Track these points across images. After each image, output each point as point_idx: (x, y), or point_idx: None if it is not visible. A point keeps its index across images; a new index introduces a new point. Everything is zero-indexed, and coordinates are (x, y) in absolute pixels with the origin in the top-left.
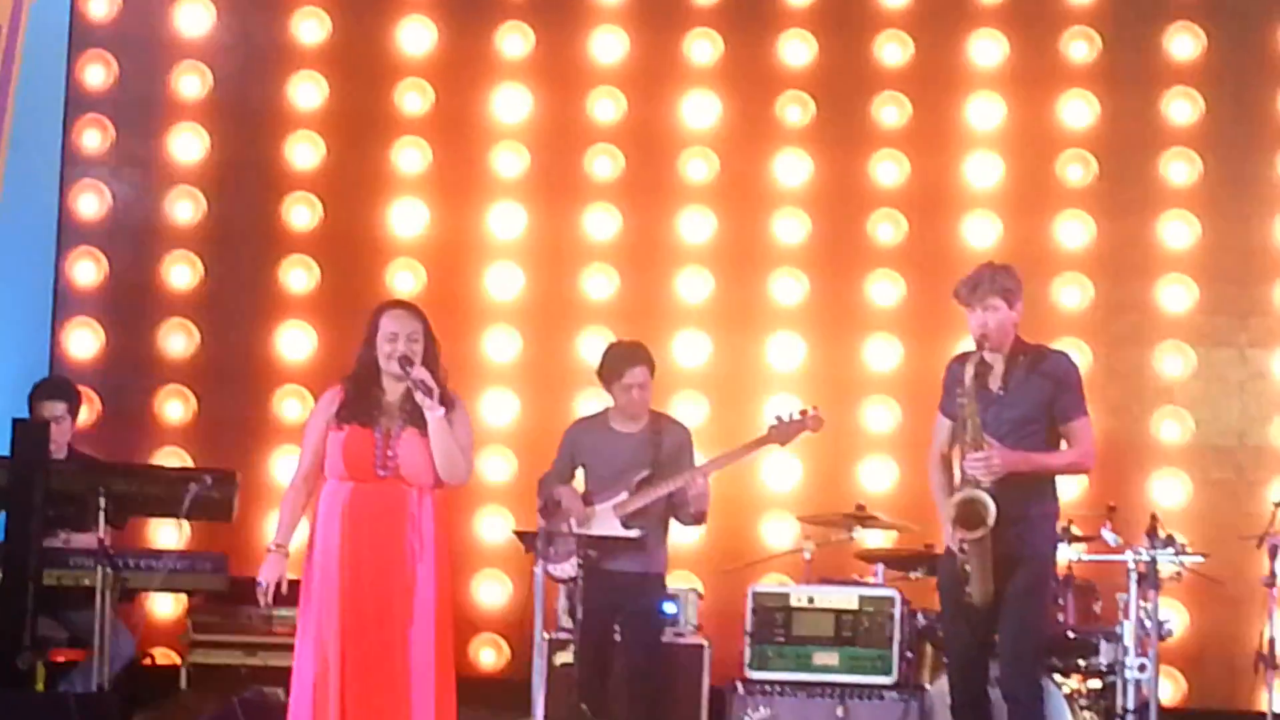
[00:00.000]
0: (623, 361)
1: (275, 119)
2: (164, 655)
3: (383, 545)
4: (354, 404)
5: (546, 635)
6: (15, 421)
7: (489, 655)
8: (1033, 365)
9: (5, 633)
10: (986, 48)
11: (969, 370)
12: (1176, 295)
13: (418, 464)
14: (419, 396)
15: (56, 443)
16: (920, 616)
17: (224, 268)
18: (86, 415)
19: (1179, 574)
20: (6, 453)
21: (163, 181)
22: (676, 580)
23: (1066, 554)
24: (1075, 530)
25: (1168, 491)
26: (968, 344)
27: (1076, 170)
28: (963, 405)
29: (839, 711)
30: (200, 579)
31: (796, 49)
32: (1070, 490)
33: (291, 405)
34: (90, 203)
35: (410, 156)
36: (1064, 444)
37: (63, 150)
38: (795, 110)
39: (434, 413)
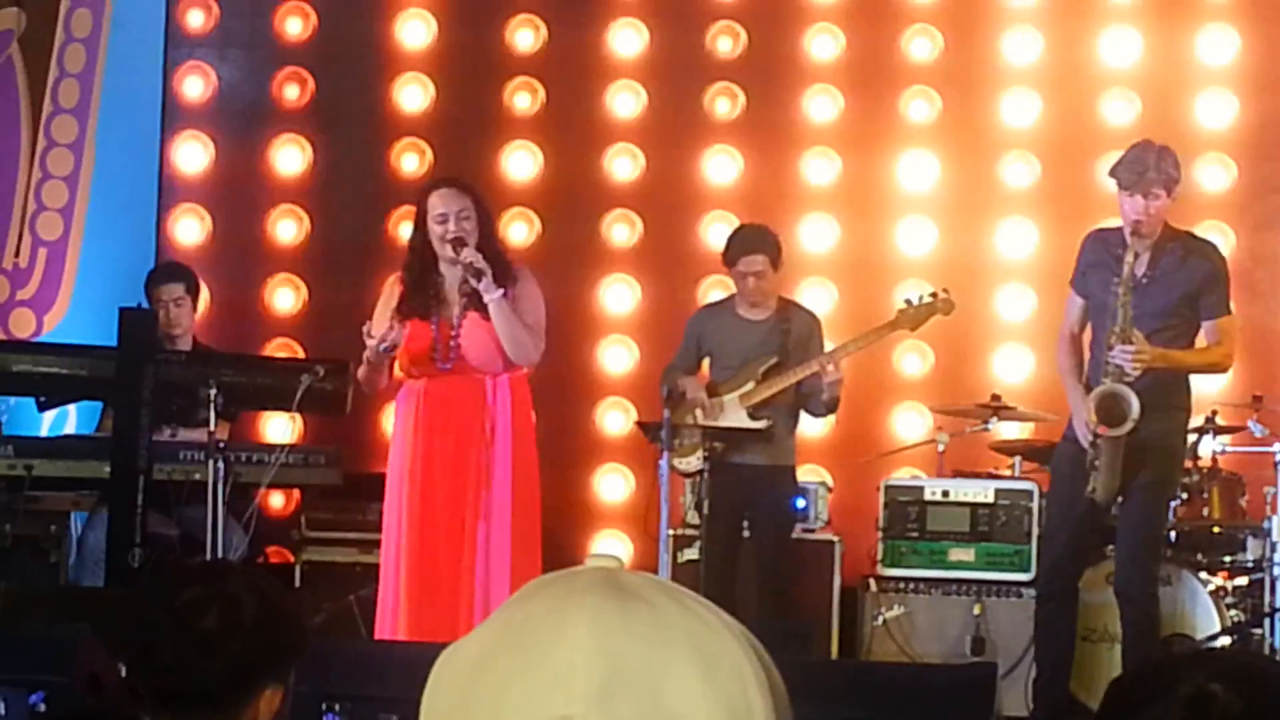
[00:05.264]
0: (739, 248)
1: None
2: (277, 553)
3: (456, 441)
4: (413, 296)
5: (671, 531)
6: (122, 310)
7: (610, 551)
8: (1182, 255)
9: (117, 529)
10: None
11: (1128, 256)
12: None
13: (484, 350)
14: (473, 282)
15: (181, 325)
16: None
17: (334, 152)
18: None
19: None
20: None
21: (269, 61)
22: (805, 473)
23: (1211, 446)
24: (1220, 421)
25: None
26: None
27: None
28: (1116, 294)
29: (975, 610)
30: (313, 473)
31: None
32: (1215, 381)
33: None
34: (195, 85)
35: (524, 37)
36: (1201, 340)
37: (166, 30)
38: None
39: (491, 295)
